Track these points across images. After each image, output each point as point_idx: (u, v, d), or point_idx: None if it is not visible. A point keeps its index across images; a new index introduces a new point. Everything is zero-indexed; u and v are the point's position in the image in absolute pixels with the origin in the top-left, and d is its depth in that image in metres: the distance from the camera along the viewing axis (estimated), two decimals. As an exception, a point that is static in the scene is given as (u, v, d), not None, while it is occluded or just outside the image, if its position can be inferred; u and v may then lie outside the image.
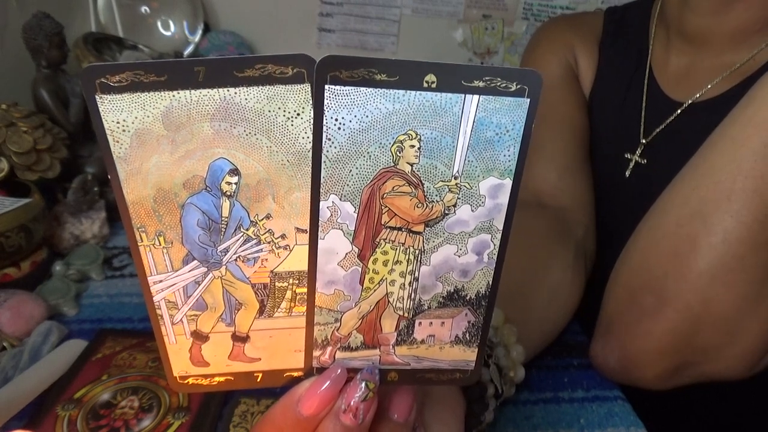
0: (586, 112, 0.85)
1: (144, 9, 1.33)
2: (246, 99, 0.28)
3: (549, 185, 0.78)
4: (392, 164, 0.30)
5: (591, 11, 1.07)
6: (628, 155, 0.79)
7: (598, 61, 0.85)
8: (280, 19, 1.42)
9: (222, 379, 0.36)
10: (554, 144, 0.80)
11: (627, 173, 0.79)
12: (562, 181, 0.79)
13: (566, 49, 0.86)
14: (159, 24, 1.35)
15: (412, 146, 0.30)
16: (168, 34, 1.35)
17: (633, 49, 0.83)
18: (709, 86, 0.72)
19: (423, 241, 0.33)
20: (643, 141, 0.77)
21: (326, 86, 0.28)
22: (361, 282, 0.33)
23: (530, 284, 0.64)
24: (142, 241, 0.31)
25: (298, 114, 0.29)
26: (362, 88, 0.28)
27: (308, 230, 0.32)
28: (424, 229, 0.32)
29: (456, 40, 1.46)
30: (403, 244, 0.33)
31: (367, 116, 0.29)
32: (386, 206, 0.31)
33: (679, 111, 0.74)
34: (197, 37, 1.36)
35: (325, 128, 0.29)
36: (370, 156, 0.30)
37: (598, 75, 0.85)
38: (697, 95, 0.73)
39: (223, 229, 0.32)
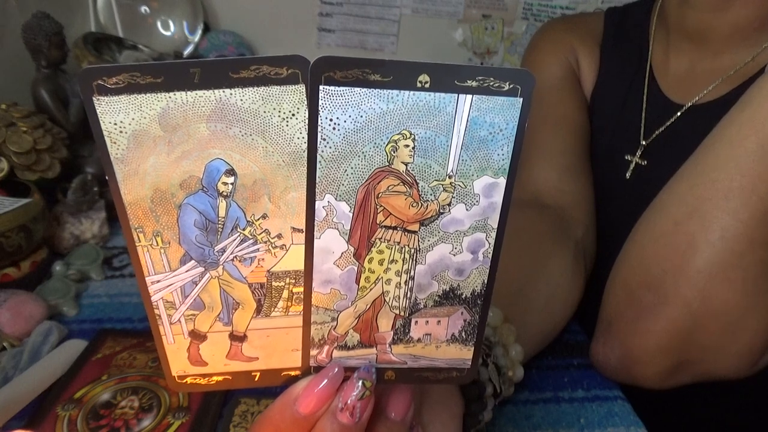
0: (586, 112, 0.85)
1: (144, 9, 1.33)
2: (241, 100, 0.29)
3: (549, 185, 0.78)
4: (387, 164, 0.30)
5: (591, 12, 1.07)
6: (628, 157, 0.79)
7: (600, 62, 0.86)
8: (280, 19, 1.42)
9: (220, 378, 0.36)
10: (555, 144, 0.81)
11: (627, 175, 0.79)
12: (563, 181, 0.79)
13: (567, 50, 0.86)
14: (159, 24, 1.35)
15: (407, 146, 0.30)
16: (168, 34, 1.35)
17: (634, 51, 0.83)
18: (710, 88, 0.72)
19: (418, 240, 0.33)
20: (644, 143, 0.77)
21: (320, 87, 0.28)
22: (357, 281, 0.34)
23: (530, 284, 0.64)
24: (139, 241, 0.32)
25: (293, 114, 0.29)
26: (356, 89, 0.28)
27: (304, 230, 0.32)
28: (419, 228, 0.32)
29: (456, 40, 1.46)
30: (399, 243, 0.33)
31: (361, 116, 0.29)
32: (381, 205, 0.32)
33: (679, 113, 0.75)
34: (197, 37, 1.37)
35: (319, 128, 0.29)
36: (364, 156, 0.30)
37: (600, 76, 0.85)
38: (697, 98, 0.73)
39: (220, 229, 0.32)
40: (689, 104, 0.74)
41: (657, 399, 0.73)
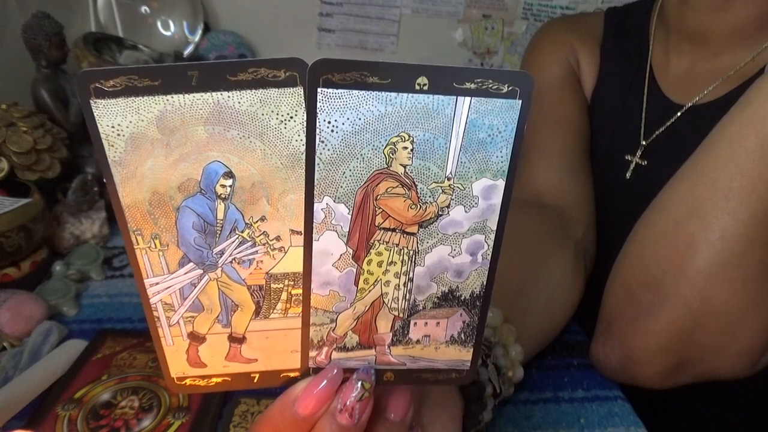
0: (586, 112, 0.85)
1: (144, 9, 1.33)
2: (239, 102, 0.29)
3: (550, 185, 0.78)
4: (385, 166, 0.30)
5: (591, 12, 1.07)
6: (628, 157, 0.79)
7: (600, 62, 0.85)
8: (280, 19, 1.42)
9: (219, 380, 0.36)
10: (555, 144, 0.81)
11: (627, 175, 0.79)
12: (563, 182, 0.79)
13: (567, 50, 0.86)
14: (159, 24, 1.35)
15: (405, 148, 0.30)
16: (168, 34, 1.36)
17: (634, 51, 0.83)
18: (710, 89, 0.72)
19: (417, 242, 0.33)
20: (644, 143, 0.77)
21: (319, 89, 0.28)
22: (356, 283, 0.34)
23: (530, 284, 0.65)
24: (138, 244, 0.32)
25: (291, 117, 0.29)
26: (354, 91, 0.28)
27: (303, 232, 0.32)
28: (418, 230, 0.32)
29: (456, 40, 1.46)
30: (398, 245, 0.33)
31: (359, 119, 0.29)
32: (380, 208, 0.32)
33: (679, 113, 0.75)
34: (197, 37, 1.37)
35: (318, 131, 0.29)
36: (363, 158, 0.30)
37: (600, 76, 0.85)
38: (697, 98, 0.73)
39: (219, 232, 0.32)
40: (689, 104, 0.74)
41: (657, 399, 0.73)
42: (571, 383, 0.66)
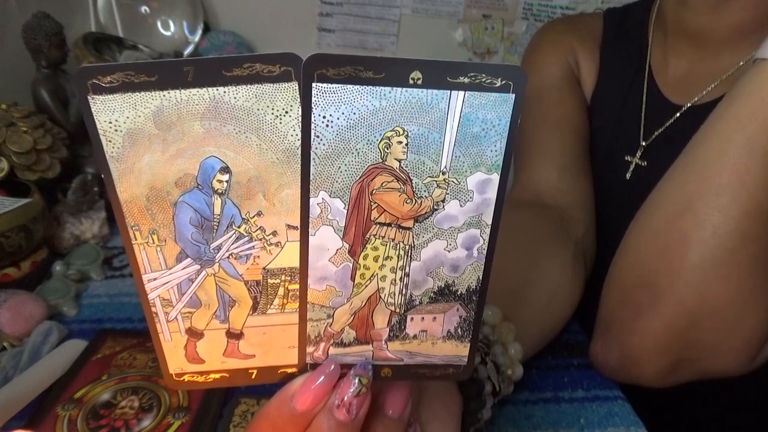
0: (586, 113, 0.85)
1: (144, 9, 1.34)
2: (235, 98, 0.29)
3: (550, 185, 0.78)
4: (380, 160, 0.30)
5: (590, 13, 1.07)
6: (628, 157, 0.79)
7: (599, 63, 0.85)
8: (280, 19, 1.42)
9: (217, 376, 0.36)
10: (555, 144, 0.81)
11: (627, 175, 0.79)
12: (563, 181, 0.79)
13: (567, 51, 0.86)
14: (159, 24, 1.35)
15: (400, 142, 0.30)
16: (168, 34, 1.36)
17: (633, 52, 0.83)
18: (708, 89, 0.72)
19: (413, 237, 0.33)
20: (643, 143, 0.77)
21: (313, 84, 0.28)
22: (353, 278, 0.34)
23: (529, 283, 0.65)
24: (136, 239, 0.32)
25: (287, 112, 0.29)
26: (349, 86, 0.29)
27: (299, 227, 0.32)
28: (414, 224, 0.33)
29: (456, 40, 1.46)
30: (393, 239, 0.33)
31: (354, 113, 0.29)
32: (375, 202, 0.32)
33: (678, 114, 0.74)
34: (197, 37, 1.37)
35: (313, 126, 0.29)
36: (358, 153, 0.30)
37: (600, 77, 0.85)
38: (696, 98, 0.73)
39: (216, 227, 0.32)
40: (688, 105, 0.74)
41: (657, 399, 0.73)
42: (571, 383, 0.66)
